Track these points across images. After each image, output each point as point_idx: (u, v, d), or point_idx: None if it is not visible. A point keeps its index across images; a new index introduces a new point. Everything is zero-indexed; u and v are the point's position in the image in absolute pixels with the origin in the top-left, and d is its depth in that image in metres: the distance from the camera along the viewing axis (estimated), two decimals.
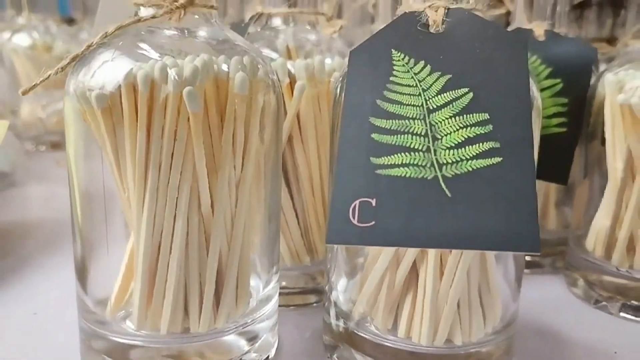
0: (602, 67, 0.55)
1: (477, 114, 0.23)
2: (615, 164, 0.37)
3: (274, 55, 0.35)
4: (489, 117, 0.22)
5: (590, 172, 0.41)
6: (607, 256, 0.38)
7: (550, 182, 0.42)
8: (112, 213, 0.28)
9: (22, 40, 0.76)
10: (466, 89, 0.23)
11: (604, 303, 0.38)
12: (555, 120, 0.40)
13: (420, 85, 0.24)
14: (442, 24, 0.25)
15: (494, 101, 0.23)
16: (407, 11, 0.27)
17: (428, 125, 0.23)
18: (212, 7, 0.26)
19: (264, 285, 0.31)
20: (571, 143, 0.40)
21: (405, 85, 0.24)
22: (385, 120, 0.23)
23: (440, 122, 0.23)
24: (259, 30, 0.36)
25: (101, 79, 0.25)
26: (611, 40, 0.67)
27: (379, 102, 0.24)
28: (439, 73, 0.24)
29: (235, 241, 0.28)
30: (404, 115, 0.23)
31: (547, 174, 0.40)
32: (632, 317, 0.37)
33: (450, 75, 0.24)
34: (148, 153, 0.25)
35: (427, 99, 0.23)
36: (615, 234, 0.38)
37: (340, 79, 0.29)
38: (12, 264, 0.42)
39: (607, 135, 0.37)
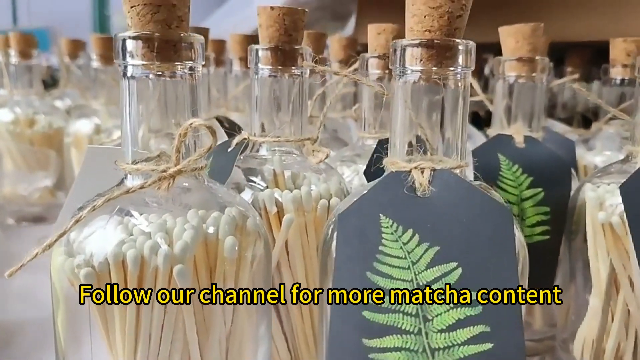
0: (579, 149, 0.57)
1: (467, 293, 0.23)
2: (599, 277, 0.38)
3: (262, 183, 0.35)
4: (478, 297, 0.23)
5: (574, 275, 0.41)
6: None
7: (537, 289, 0.42)
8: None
9: (5, 116, 0.76)
10: (455, 264, 0.24)
11: None
12: (539, 229, 0.41)
13: (410, 257, 0.24)
14: (429, 186, 0.26)
15: (483, 279, 0.23)
16: (393, 170, 0.27)
17: (419, 304, 0.23)
18: (200, 169, 0.27)
19: None
20: (554, 250, 0.41)
21: (395, 257, 0.24)
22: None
23: (431, 302, 0.23)
24: (242, 158, 0.36)
25: (89, 250, 0.25)
26: (585, 114, 0.69)
27: (369, 274, 0.24)
28: (427, 244, 0.24)
29: None
30: (395, 291, 0.23)
31: (533, 282, 0.41)
32: None
33: (439, 247, 0.24)
34: (138, 327, 0.25)
35: (417, 273, 0.24)
36: (603, 345, 0.38)
37: (331, 225, 0.29)
38: None
39: (590, 250, 0.38)
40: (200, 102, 0.27)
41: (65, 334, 0.27)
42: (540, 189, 0.41)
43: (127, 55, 0.25)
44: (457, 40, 0.26)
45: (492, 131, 0.45)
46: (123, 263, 0.24)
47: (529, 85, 0.43)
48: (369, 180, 0.38)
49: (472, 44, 0.26)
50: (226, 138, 0.52)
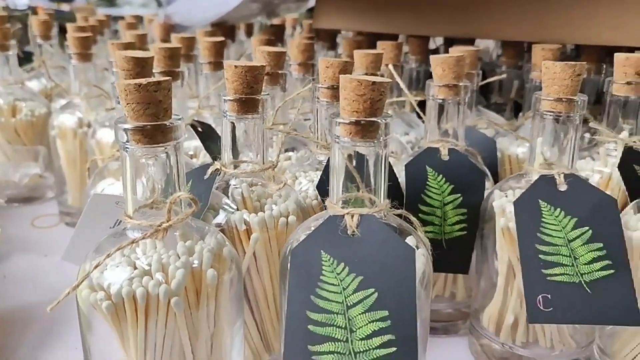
0: (507, 139, 0.66)
1: (380, 312, 0.33)
2: (502, 266, 0.48)
3: (232, 205, 0.44)
4: (388, 314, 0.33)
5: (486, 261, 0.52)
6: (497, 333, 0.50)
7: (456, 273, 0.53)
8: None
9: None
10: (373, 290, 0.33)
11: None
12: (457, 227, 0.51)
13: (341, 284, 0.34)
14: (357, 228, 0.35)
15: (392, 301, 0.33)
16: (331, 214, 0.36)
17: (347, 319, 0.33)
18: (186, 217, 0.35)
19: None
20: (470, 243, 0.51)
21: (331, 284, 0.34)
22: (317, 314, 0.33)
23: (355, 317, 0.33)
24: (216, 184, 0.44)
25: (106, 285, 0.34)
26: (517, 100, 0.78)
27: (312, 297, 0.34)
28: (354, 274, 0.34)
29: None
30: (330, 310, 0.33)
31: (453, 268, 0.52)
32: None
33: (362, 277, 0.34)
34: (147, 339, 0.34)
35: (346, 296, 0.33)
36: (503, 317, 0.49)
37: (289, 246, 0.38)
38: None
39: (497, 244, 0.48)
40: (183, 165, 0.35)
41: (91, 345, 0.36)
42: (459, 195, 0.50)
43: (127, 139, 0.33)
44: (377, 120, 0.34)
45: (424, 142, 0.54)
46: (133, 296, 0.33)
47: (454, 105, 0.52)
48: (321, 193, 0.48)
49: (389, 119, 0.35)
50: (200, 142, 0.60)
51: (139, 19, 1.30)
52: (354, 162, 0.36)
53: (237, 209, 0.44)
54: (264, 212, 0.43)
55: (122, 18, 1.40)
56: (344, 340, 0.32)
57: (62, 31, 1.11)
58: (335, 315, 0.33)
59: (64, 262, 0.45)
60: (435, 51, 0.93)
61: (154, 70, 0.53)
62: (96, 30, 1.01)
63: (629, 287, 0.40)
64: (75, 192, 0.78)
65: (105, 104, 0.74)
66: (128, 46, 0.64)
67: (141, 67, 0.47)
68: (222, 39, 0.68)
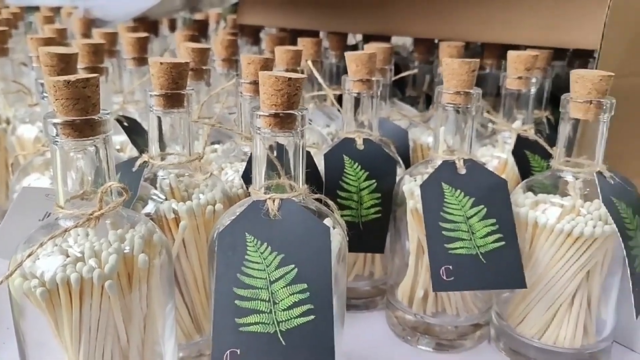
0: (418, 129, 0.72)
1: (300, 285, 0.36)
2: (412, 245, 0.54)
3: (161, 196, 0.46)
4: (307, 286, 0.36)
5: (399, 240, 0.57)
6: (410, 305, 0.55)
7: (372, 253, 0.58)
8: None
9: None
10: (293, 265, 0.37)
11: (408, 337, 0.55)
12: (373, 210, 0.55)
13: (265, 262, 0.37)
14: (278, 211, 0.39)
15: (310, 275, 0.37)
16: (255, 200, 0.39)
17: (270, 293, 0.36)
18: (118, 205, 0.37)
19: None
20: (384, 225, 0.56)
21: (255, 262, 0.37)
22: (243, 290, 0.36)
23: (278, 291, 0.36)
24: (144, 176, 0.46)
25: (39, 273, 0.35)
26: (427, 95, 0.84)
27: (239, 275, 0.37)
28: (276, 253, 0.37)
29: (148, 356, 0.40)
30: (255, 285, 0.36)
31: (369, 247, 0.56)
32: (424, 348, 0.54)
33: (284, 255, 0.37)
34: (81, 322, 0.36)
35: (269, 273, 0.37)
36: (415, 291, 0.55)
37: (216, 231, 0.41)
38: None
39: (408, 226, 0.53)
40: (113, 158, 0.37)
41: (25, 334, 0.38)
42: (373, 180, 0.55)
43: (57, 134, 0.34)
44: (294, 112, 0.38)
45: (342, 133, 0.58)
46: (67, 282, 0.35)
47: (368, 98, 0.56)
48: (246, 182, 0.51)
49: (305, 111, 0.38)
50: (126, 136, 0.61)
51: (56, 11, 1.26)
52: (275, 152, 0.39)
53: (166, 199, 0.46)
54: (192, 201, 0.46)
55: (36, 9, 1.36)
56: (268, 311, 0.36)
57: None
58: (259, 290, 0.36)
59: None
60: (355, 47, 0.98)
61: (77, 66, 0.53)
62: (10, 23, 0.98)
63: (516, 256, 0.46)
64: None
65: (25, 99, 0.74)
66: (48, 41, 0.64)
67: (65, 63, 0.48)
68: (145, 34, 0.70)
